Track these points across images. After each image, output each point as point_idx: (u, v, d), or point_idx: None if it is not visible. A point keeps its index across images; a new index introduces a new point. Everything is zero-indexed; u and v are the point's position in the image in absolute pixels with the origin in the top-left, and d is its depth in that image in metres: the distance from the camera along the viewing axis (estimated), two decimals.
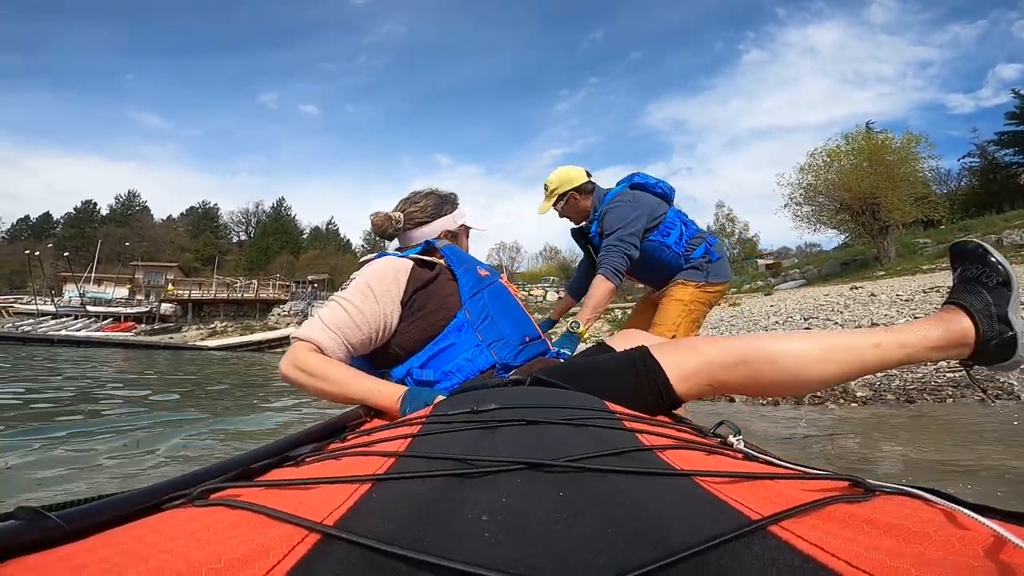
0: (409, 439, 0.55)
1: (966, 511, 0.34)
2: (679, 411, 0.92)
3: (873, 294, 8.16)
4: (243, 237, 61.78)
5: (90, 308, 30.30)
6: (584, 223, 2.30)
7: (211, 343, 20.24)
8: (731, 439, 0.58)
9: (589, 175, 2.27)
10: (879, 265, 15.07)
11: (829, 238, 19.94)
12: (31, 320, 27.73)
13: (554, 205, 2.29)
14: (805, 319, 6.55)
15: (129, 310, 30.69)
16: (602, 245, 2.09)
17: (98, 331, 24.79)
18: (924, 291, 7.29)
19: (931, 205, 17.19)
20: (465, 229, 1.42)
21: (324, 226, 64.74)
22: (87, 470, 1.77)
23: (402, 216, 1.32)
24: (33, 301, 31.69)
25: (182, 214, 63.60)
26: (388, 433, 0.60)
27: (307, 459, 0.55)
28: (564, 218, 2.33)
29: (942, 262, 13.52)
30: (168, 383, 5.72)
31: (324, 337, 1.00)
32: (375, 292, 1.05)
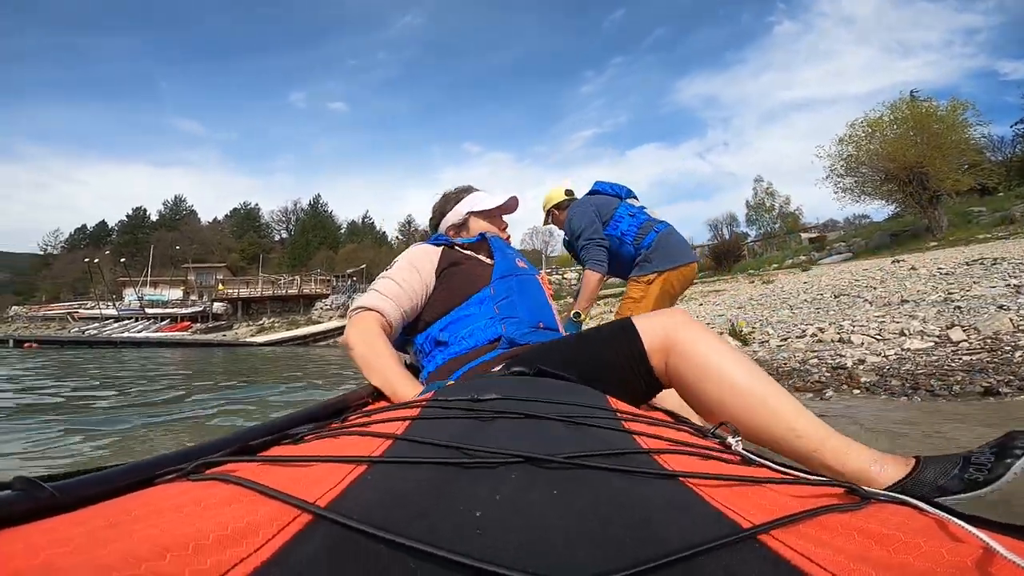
0: (408, 422, 0.56)
1: (958, 522, 0.34)
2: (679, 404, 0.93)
3: (914, 267, 7.90)
4: (284, 235, 63.90)
5: (148, 310, 32.25)
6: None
7: (260, 339, 21.27)
8: (730, 440, 0.58)
9: (570, 192, 2.73)
10: (931, 236, 14.44)
11: (877, 208, 19.16)
12: (96, 324, 29.84)
13: (544, 221, 2.81)
14: (836, 296, 6.46)
15: (184, 310, 32.44)
16: (577, 247, 2.48)
17: (158, 332, 26.39)
18: (967, 263, 7.02)
19: (985, 172, 16.37)
20: (472, 216, 1.50)
21: (360, 220, 66.18)
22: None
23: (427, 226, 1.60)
24: (96, 306, 34.01)
25: (226, 216, 66.17)
26: (387, 415, 0.61)
27: (306, 437, 0.56)
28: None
29: (999, 230, 12.86)
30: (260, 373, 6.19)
31: (385, 304, 1.16)
32: (416, 266, 1.23)
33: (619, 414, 0.63)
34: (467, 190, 1.57)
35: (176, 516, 0.32)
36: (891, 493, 0.42)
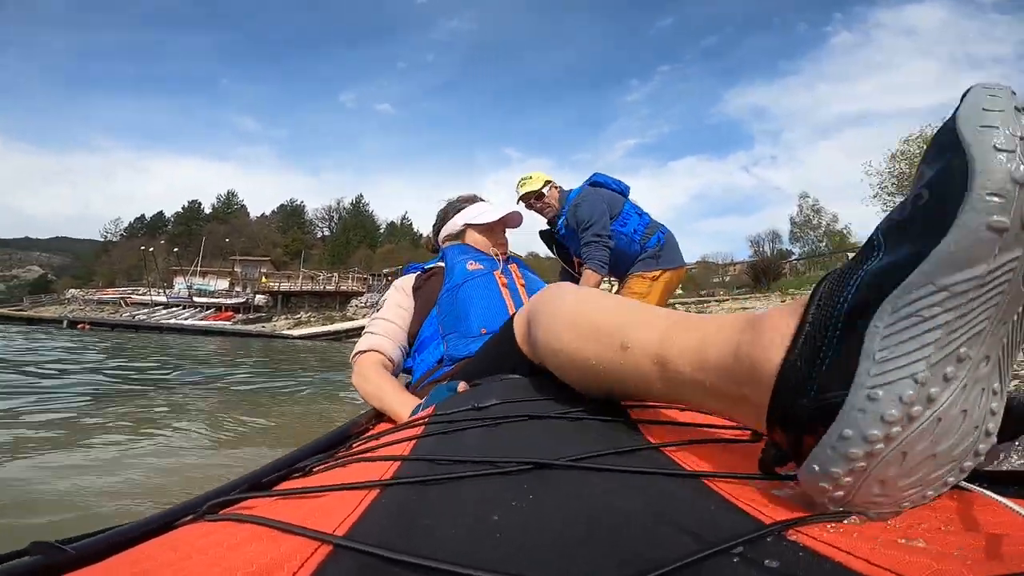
0: (413, 441, 0.56)
1: (999, 498, 0.32)
2: None
3: None
4: (326, 232, 65.90)
5: (196, 299, 33.89)
6: (552, 217, 2.65)
7: (295, 332, 22.04)
8: None
9: (550, 183, 2.66)
10: None
11: None
12: (146, 309, 31.54)
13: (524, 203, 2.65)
14: None
15: (228, 301, 33.90)
16: (582, 240, 2.41)
17: (203, 320, 27.71)
18: None
19: None
20: (468, 227, 1.47)
21: (399, 221, 67.62)
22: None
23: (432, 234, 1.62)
24: (148, 292, 35.96)
25: (274, 211, 68.81)
26: (391, 437, 0.61)
27: (315, 468, 0.56)
28: (534, 212, 2.70)
29: None
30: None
31: (379, 341, 1.23)
32: (398, 301, 1.32)
33: (624, 404, 0.62)
34: (470, 200, 1.55)
35: (201, 558, 0.32)
36: None
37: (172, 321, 25.58)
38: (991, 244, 0.29)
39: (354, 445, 0.67)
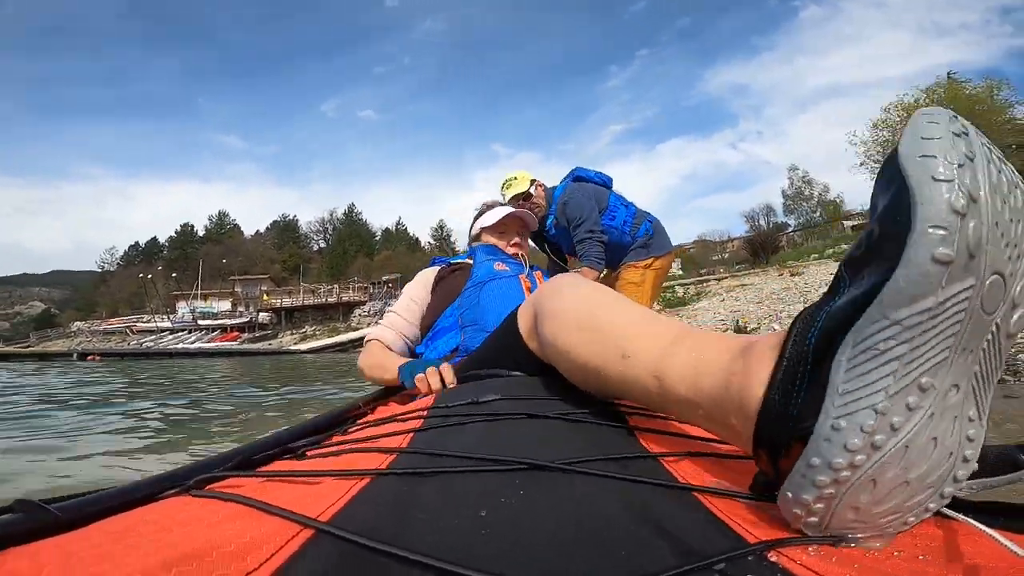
0: (411, 434, 0.56)
1: (982, 527, 0.32)
2: None
3: None
4: (322, 244, 65.93)
5: (200, 322, 34.02)
6: (539, 215, 2.55)
7: (303, 347, 22.19)
8: None
9: (535, 182, 2.57)
10: None
11: None
12: (153, 336, 31.69)
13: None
14: None
15: (233, 321, 34.05)
16: (575, 238, 2.44)
17: (210, 342, 27.87)
18: None
19: None
20: (483, 231, 1.58)
21: (394, 227, 67.66)
22: None
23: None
24: (152, 320, 36.12)
25: (267, 228, 68.77)
26: (390, 428, 0.60)
27: (307, 452, 0.56)
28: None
29: None
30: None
31: (383, 332, 1.37)
32: (412, 295, 1.42)
33: (623, 409, 0.62)
34: (490, 207, 1.65)
35: (180, 531, 0.32)
36: None
37: (180, 346, 25.73)
38: (938, 276, 0.29)
39: (350, 430, 0.67)
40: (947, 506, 0.35)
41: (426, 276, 1.47)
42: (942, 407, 0.32)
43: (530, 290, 1.30)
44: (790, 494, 0.34)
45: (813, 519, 0.34)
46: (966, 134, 0.30)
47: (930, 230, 0.28)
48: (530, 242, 2.89)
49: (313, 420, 0.80)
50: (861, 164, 17.91)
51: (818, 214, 37.76)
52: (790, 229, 34.80)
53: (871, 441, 0.32)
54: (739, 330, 4.88)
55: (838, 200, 38.88)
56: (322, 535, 0.32)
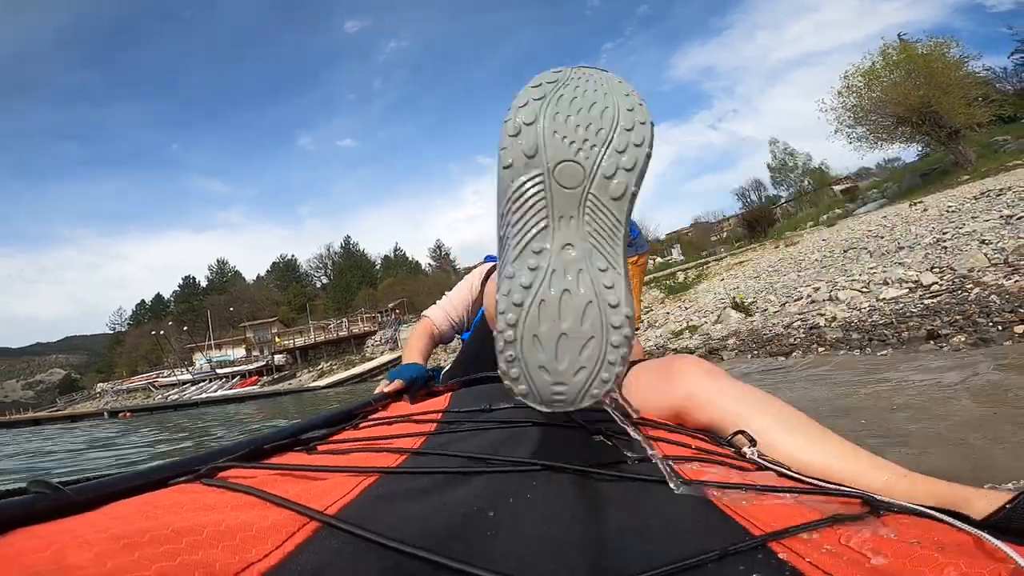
0: (424, 437, 0.56)
1: (986, 536, 0.32)
2: None
3: (926, 209, 8.02)
4: (324, 280, 66.32)
5: (219, 370, 34.35)
6: None
7: (321, 383, 22.48)
8: (745, 450, 0.56)
9: None
10: (962, 170, 14.20)
11: (904, 149, 18.78)
12: (176, 389, 32.07)
13: None
14: (844, 251, 6.73)
15: (250, 366, 34.28)
16: None
17: (232, 389, 28.18)
18: (976, 197, 7.13)
19: (997, 103, 16.12)
20: None
21: (392, 253, 68.03)
22: None
23: None
24: (172, 373, 36.54)
25: (268, 271, 69.24)
26: (402, 428, 0.61)
27: (318, 446, 0.55)
28: None
29: None
30: None
31: (435, 313, 1.52)
32: (466, 284, 1.54)
33: (632, 420, 0.63)
34: None
35: (190, 518, 0.32)
36: (910, 504, 0.40)
37: (205, 396, 26.06)
38: (509, 176, 0.42)
39: (361, 426, 0.67)
40: (966, 521, 0.37)
41: (476, 274, 1.55)
42: (562, 263, 0.42)
43: None
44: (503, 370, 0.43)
45: (521, 387, 0.42)
46: (540, 85, 0.43)
47: (500, 151, 0.42)
48: None
49: (325, 414, 0.78)
50: (835, 131, 18.19)
51: (806, 182, 37.95)
52: (782, 201, 35.01)
53: (511, 300, 0.41)
54: (736, 306, 5.15)
55: (823, 166, 39.15)
56: (328, 528, 0.32)
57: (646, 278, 15.71)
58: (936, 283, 3.61)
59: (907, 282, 3.87)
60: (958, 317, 2.71)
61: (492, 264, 1.54)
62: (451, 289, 1.60)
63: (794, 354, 3.01)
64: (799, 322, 3.78)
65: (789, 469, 0.51)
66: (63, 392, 59.65)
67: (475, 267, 1.63)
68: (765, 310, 4.87)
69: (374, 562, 0.29)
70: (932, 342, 2.54)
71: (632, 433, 0.47)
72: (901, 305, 3.34)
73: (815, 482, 0.46)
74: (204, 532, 0.29)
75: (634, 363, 0.92)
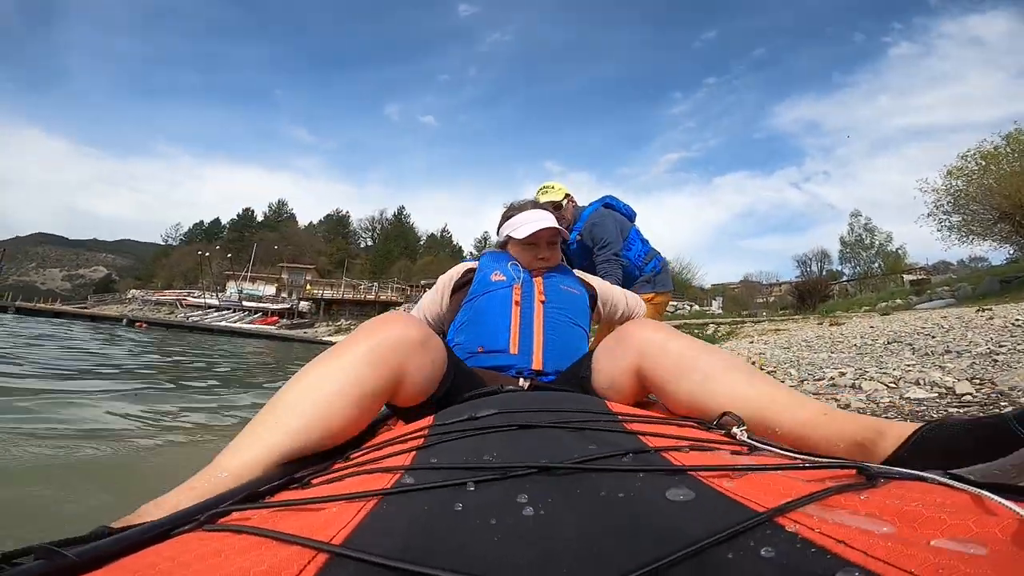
0: (413, 453, 0.56)
1: (987, 494, 0.33)
2: None
3: (991, 317, 7.31)
4: (369, 242, 67.86)
5: (245, 303, 35.60)
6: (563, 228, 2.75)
7: (335, 339, 22.82)
8: (735, 431, 0.58)
9: (568, 196, 2.72)
10: None
11: (992, 250, 17.24)
12: (199, 311, 33.37)
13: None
14: (888, 343, 6.18)
15: (275, 306, 35.46)
16: (599, 258, 2.54)
17: (250, 323, 29.09)
18: None
19: None
20: (510, 240, 1.43)
21: (439, 233, 68.90)
22: None
23: None
24: (202, 295, 38.05)
25: (320, 221, 71.45)
26: (392, 449, 0.61)
27: (312, 480, 0.56)
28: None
29: None
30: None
31: (415, 313, 1.44)
32: (437, 290, 1.43)
33: (620, 416, 0.64)
34: (520, 208, 1.50)
35: (200, 567, 0.32)
36: (905, 470, 0.42)
37: (223, 323, 26.95)
38: None
39: (352, 456, 0.66)
40: (964, 480, 0.37)
41: (447, 280, 1.44)
42: None
43: (519, 303, 1.26)
44: None
45: None
46: None
47: None
48: None
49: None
50: (929, 215, 16.83)
51: (877, 265, 36.09)
52: (844, 278, 33.38)
53: None
54: None
55: (900, 251, 37.09)
56: (337, 558, 0.32)
57: (677, 322, 15.27)
58: (970, 394, 3.18)
59: (939, 386, 3.43)
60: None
61: (463, 270, 1.43)
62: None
63: None
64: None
65: (780, 446, 0.53)
66: (98, 291, 63.22)
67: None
68: (781, 381, 4.47)
69: None
70: None
71: (622, 427, 0.53)
72: (923, 408, 2.93)
73: (808, 457, 0.48)
74: None
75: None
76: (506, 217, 1.51)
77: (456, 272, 1.43)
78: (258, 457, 0.66)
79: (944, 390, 3.31)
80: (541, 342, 1.20)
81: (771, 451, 0.52)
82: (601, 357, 0.99)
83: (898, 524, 0.31)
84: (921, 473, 0.40)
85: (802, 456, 0.48)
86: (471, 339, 1.22)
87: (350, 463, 0.61)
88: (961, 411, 2.83)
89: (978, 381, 3.43)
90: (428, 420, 0.72)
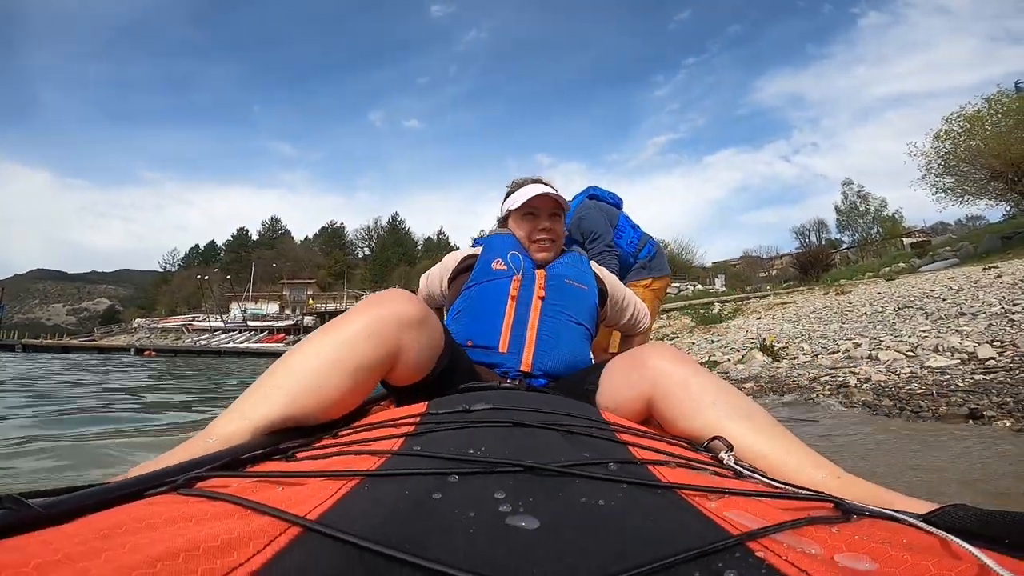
0: (403, 438, 0.56)
1: (952, 538, 0.34)
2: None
3: (1000, 275, 7.26)
4: (366, 252, 67.85)
5: (250, 323, 35.69)
6: None
7: None
8: (722, 455, 0.58)
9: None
10: None
11: (990, 208, 17.19)
12: (206, 335, 33.44)
13: None
14: (897, 309, 6.14)
15: (279, 324, 35.57)
16: (591, 250, 2.52)
17: (257, 343, 29.13)
18: None
19: None
20: (511, 214, 1.39)
21: (435, 236, 68.86)
22: None
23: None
24: (207, 319, 38.18)
25: (316, 234, 71.42)
26: (382, 432, 0.60)
27: (297, 453, 0.55)
28: None
29: None
30: None
31: (421, 287, 1.46)
32: (439, 270, 1.43)
33: (612, 426, 0.64)
34: (521, 183, 1.44)
35: (167, 528, 0.32)
36: (881, 509, 0.42)
37: (230, 345, 26.99)
38: None
39: (341, 434, 0.65)
40: (932, 523, 0.38)
41: (450, 260, 1.41)
42: None
43: (515, 298, 1.22)
44: None
45: None
46: None
47: None
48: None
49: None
50: (922, 177, 16.87)
51: (875, 230, 35.96)
52: (844, 246, 33.25)
53: None
54: (764, 348, 4.72)
55: (897, 215, 36.93)
56: (310, 533, 0.32)
57: (681, 304, 15.23)
58: (993, 358, 3.15)
59: (960, 352, 3.40)
60: (1009, 399, 2.36)
61: (466, 253, 1.39)
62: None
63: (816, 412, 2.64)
64: (828, 377, 3.37)
65: (764, 475, 0.53)
66: (104, 323, 63.49)
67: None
68: (795, 358, 4.44)
69: (356, 565, 0.29)
70: (972, 422, 2.20)
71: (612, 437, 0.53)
72: (947, 376, 2.91)
73: (788, 487, 0.48)
74: (181, 541, 0.29)
75: (611, 356, 0.97)
76: (508, 194, 1.45)
77: (460, 255, 1.39)
78: (249, 424, 0.66)
79: (966, 355, 3.28)
80: (533, 343, 1.16)
81: (755, 478, 0.52)
82: (612, 377, 0.93)
83: (862, 559, 0.32)
84: (894, 512, 0.40)
85: (783, 485, 0.49)
86: (463, 330, 1.18)
87: (337, 440, 0.61)
88: (987, 377, 2.80)
89: (999, 344, 3.39)
90: (421, 407, 0.72)
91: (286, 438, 0.65)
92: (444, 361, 0.91)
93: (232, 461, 0.52)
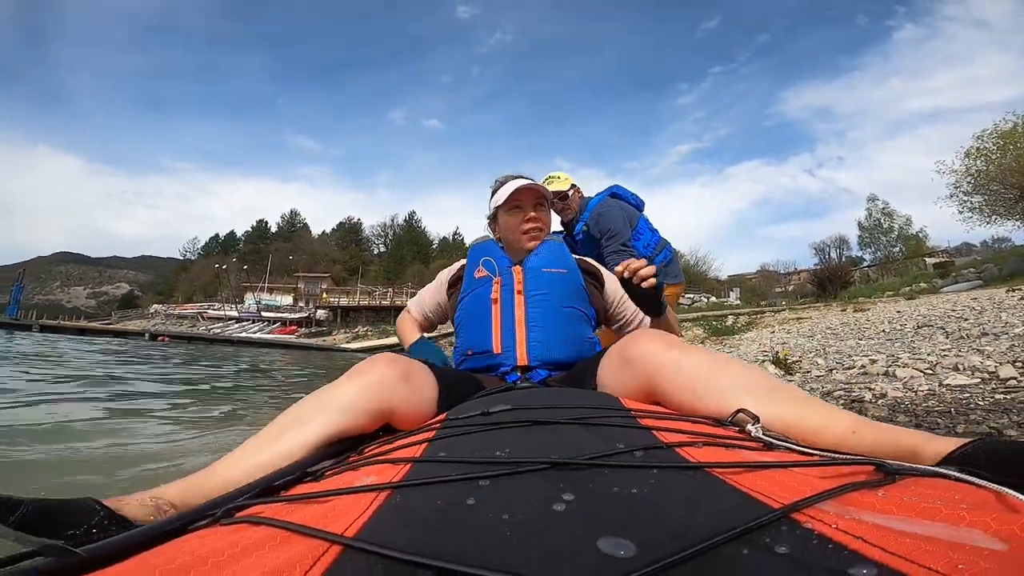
0: (424, 444, 0.56)
1: (1009, 492, 0.33)
2: None
3: None
4: (382, 248, 68.30)
5: (264, 314, 36.09)
6: (569, 220, 2.66)
7: (354, 345, 22.97)
8: (749, 427, 0.56)
9: (574, 187, 2.67)
10: None
11: (1016, 228, 16.77)
12: (220, 324, 33.94)
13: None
14: (917, 327, 6.00)
15: (293, 316, 35.86)
16: (607, 248, 2.47)
17: (270, 334, 29.47)
18: None
19: None
20: (499, 211, 1.40)
21: (451, 236, 69.08)
22: None
23: None
24: (222, 308, 38.76)
25: (333, 229, 72.09)
26: (404, 441, 0.61)
27: (327, 473, 0.56)
28: (554, 212, 2.70)
29: None
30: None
31: (412, 305, 1.54)
32: (435, 285, 1.50)
33: (633, 412, 0.64)
34: (504, 181, 1.43)
35: (217, 560, 0.33)
36: (924, 467, 0.41)
37: (243, 335, 27.33)
38: None
39: (366, 450, 0.66)
40: (984, 478, 0.37)
41: (445, 276, 1.49)
42: None
43: (497, 301, 1.24)
44: None
45: None
46: None
47: None
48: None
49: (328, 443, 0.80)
50: (950, 196, 16.49)
51: (898, 249, 35.26)
52: (864, 264, 32.65)
53: None
54: (777, 362, 4.64)
55: (921, 234, 36.14)
56: (351, 550, 0.32)
57: (694, 315, 15.08)
58: (1015, 378, 3.05)
59: (981, 371, 3.30)
60: None
61: (457, 266, 1.46)
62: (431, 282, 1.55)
63: None
64: (842, 392, 3.29)
65: (796, 443, 0.51)
66: (122, 307, 64.76)
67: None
68: (808, 372, 4.34)
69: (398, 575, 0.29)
70: None
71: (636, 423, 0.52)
72: (967, 395, 2.82)
73: (824, 453, 0.46)
74: (232, 570, 0.30)
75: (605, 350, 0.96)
76: (493, 193, 1.46)
77: (452, 269, 1.47)
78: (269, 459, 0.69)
79: (987, 375, 3.18)
80: (524, 335, 1.19)
81: (787, 448, 0.50)
82: (604, 375, 0.91)
83: (916, 520, 0.31)
84: (940, 470, 0.39)
85: (819, 453, 0.47)
86: (462, 342, 1.26)
87: (362, 456, 0.61)
88: (1008, 397, 2.72)
89: (1021, 365, 3.29)
90: (441, 417, 0.73)
91: (315, 461, 0.66)
92: (445, 400, 0.91)
93: (266, 489, 0.53)
